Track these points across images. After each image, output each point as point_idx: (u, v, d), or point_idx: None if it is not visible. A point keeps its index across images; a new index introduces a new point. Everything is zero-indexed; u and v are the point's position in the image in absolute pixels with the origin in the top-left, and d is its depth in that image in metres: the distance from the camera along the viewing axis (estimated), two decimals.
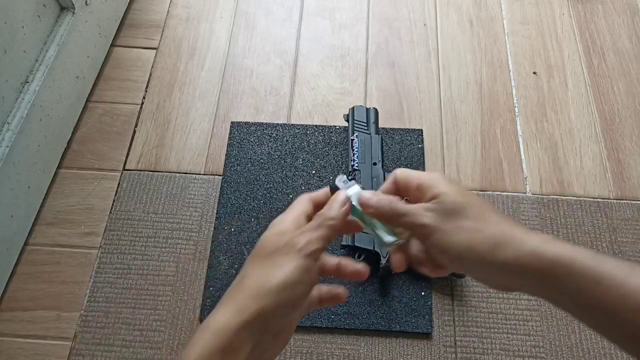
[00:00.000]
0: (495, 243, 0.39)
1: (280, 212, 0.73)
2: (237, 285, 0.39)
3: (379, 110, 0.79)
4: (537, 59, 0.90)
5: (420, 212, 0.41)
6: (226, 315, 0.37)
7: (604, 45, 0.91)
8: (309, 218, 0.43)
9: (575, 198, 0.77)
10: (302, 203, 0.43)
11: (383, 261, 0.65)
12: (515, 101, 0.85)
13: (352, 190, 0.43)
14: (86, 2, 0.79)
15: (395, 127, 0.82)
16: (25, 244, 0.72)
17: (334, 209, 0.41)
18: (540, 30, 0.93)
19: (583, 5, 0.96)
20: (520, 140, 0.82)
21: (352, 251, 0.68)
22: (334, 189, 0.43)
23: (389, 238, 0.43)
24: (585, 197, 0.77)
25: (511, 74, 0.88)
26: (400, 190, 0.44)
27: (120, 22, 0.92)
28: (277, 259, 0.39)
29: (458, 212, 0.41)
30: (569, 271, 0.37)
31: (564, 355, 0.65)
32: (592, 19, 0.94)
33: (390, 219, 0.43)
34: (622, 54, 0.90)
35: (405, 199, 0.44)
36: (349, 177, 0.41)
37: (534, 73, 0.88)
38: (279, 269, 0.38)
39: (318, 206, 0.44)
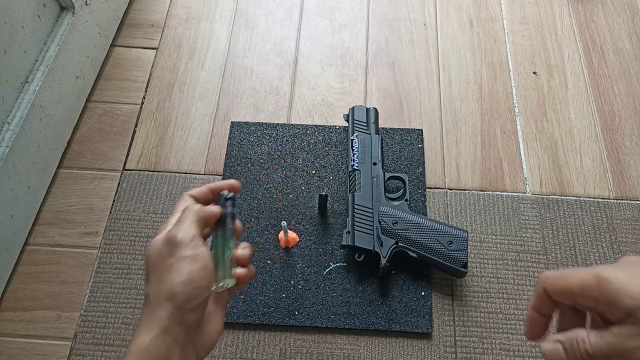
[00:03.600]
0: None
1: (280, 212, 0.74)
2: (144, 307, 0.41)
3: (379, 110, 0.79)
4: (537, 59, 0.90)
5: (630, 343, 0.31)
6: (143, 334, 0.39)
7: (604, 45, 0.91)
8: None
9: (575, 198, 0.76)
10: (174, 217, 0.44)
11: (383, 261, 0.65)
12: (515, 101, 0.85)
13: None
14: (86, 2, 0.79)
15: (395, 127, 0.82)
16: (25, 244, 0.72)
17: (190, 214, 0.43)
18: (540, 30, 0.93)
19: (583, 5, 0.96)
20: (520, 140, 0.82)
21: (352, 251, 0.68)
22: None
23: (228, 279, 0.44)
24: (585, 197, 0.77)
25: (511, 73, 0.88)
26: (554, 300, 0.35)
27: (120, 22, 0.92)
28: (168, 264, 0.40)
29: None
30: None
31: None
32: (592, 19, 0.94)
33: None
34: (622, 53, 0.90)
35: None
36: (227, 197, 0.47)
37: (534, 73, 0.88)
38: (173, 271, 0.40)
39: (199, 201, 0.46)
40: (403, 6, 0.96)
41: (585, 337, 0.32)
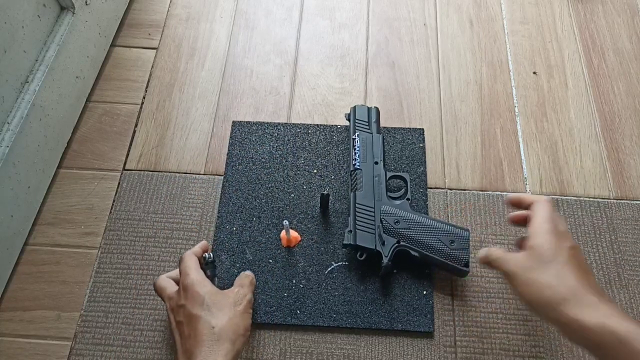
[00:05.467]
0: (560, 301, 0.48)
1: (282, 212, 0.74)
2: (213, 335, 0.52)
3: (379, 109, 0.79)
4: (537, 59, 0.90)
5: (509, 259, 0.54)
6: (221, 358, 0.51)
7: (604, 45, 0.91)
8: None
9: (575, 198, 0.77)
10: (192, 261, 0.60)
11: (385, 260, 0.65)
12: (515, 101, 0.86)
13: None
14: (86, 2, 0.79)
15: (395, 126, 0.82)
16: (25, 244, 0.72)
17: (250, 283, 0.61)
18: (540, 30, 0.93)
19: (583, 5, 0.96)
20: (520, 140, 0.82)
21: (353, 250, 0.68)
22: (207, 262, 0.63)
23: None
24: (585, 197, 0.77)
25: (511, 73, 0.88)
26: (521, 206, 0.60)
27: (120, 22, 0.92)
28: (236, 310, 0.55)
29: (541, 266, 0.51)
30: (625, 348, 0.44)
31: (564, 355, 0.65)
32: (592, 19, 0.94)
33: (486, 259, 0.57)
34: (622, 54, 0.90)
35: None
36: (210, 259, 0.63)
37: (534, 73, 0.88)
38: (242, 318, 0.55)
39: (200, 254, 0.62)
40: (403, 6, 0.96)
41: (495, 249, 0.56)
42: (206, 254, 0.62)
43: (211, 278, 0.60)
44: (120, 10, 0.92)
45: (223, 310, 0.54)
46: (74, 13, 0.76)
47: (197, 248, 0.62)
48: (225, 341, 0.52)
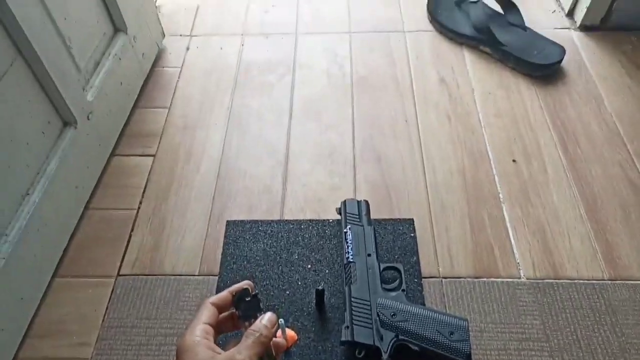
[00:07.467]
0: None
1: (278, 310, 0.73)
2: None
3: (368, 202, 0.81)
4: (515, 148, 0.95)
5: None
6: None
7: (576, 132, 0.97)
8: (215, 321, 0.48)
9: (569, 281, 0.77)
10: (206, 311, 0.48)
11: (385, 356, 0.63)
12: (498, 188, 0.89)
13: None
14: (88, 117, 0.84)
15: (385, 217, 0.84)
16: (15, 358, 0.69)
17: (268, 328, 0.47)
18: (515, 121, 0.99)
19: (552, 97, 1.03)
20: (509, 225, 0.84)
21: (351, 347, 0.66)
22: (239, 301, 0.49)
23: None
24: (580, 279, 0.77)
25: (492, 162, 0.93)
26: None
27: (120, 132, 0.97)
28: None
29: None
30: None
31: None
32: (561, 109, 1.01)
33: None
34: (593, 139, 0.96)
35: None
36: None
37: (514, 161, 0.93)
38: None
39: (221, 308, 0.50)
40: (384, 106, 1.03)
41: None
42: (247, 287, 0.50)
43: (245, 318, 0.49)
44: (120, 123, 0.98)
45: None
46: (76, 127, 0.81)
47: (225, 292, 0.50)
48: None
